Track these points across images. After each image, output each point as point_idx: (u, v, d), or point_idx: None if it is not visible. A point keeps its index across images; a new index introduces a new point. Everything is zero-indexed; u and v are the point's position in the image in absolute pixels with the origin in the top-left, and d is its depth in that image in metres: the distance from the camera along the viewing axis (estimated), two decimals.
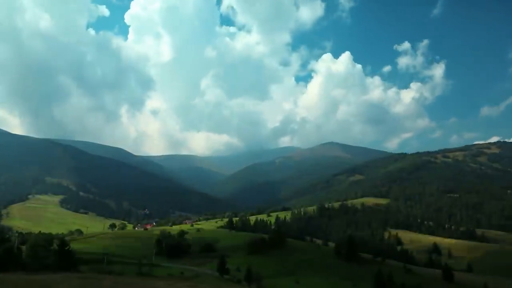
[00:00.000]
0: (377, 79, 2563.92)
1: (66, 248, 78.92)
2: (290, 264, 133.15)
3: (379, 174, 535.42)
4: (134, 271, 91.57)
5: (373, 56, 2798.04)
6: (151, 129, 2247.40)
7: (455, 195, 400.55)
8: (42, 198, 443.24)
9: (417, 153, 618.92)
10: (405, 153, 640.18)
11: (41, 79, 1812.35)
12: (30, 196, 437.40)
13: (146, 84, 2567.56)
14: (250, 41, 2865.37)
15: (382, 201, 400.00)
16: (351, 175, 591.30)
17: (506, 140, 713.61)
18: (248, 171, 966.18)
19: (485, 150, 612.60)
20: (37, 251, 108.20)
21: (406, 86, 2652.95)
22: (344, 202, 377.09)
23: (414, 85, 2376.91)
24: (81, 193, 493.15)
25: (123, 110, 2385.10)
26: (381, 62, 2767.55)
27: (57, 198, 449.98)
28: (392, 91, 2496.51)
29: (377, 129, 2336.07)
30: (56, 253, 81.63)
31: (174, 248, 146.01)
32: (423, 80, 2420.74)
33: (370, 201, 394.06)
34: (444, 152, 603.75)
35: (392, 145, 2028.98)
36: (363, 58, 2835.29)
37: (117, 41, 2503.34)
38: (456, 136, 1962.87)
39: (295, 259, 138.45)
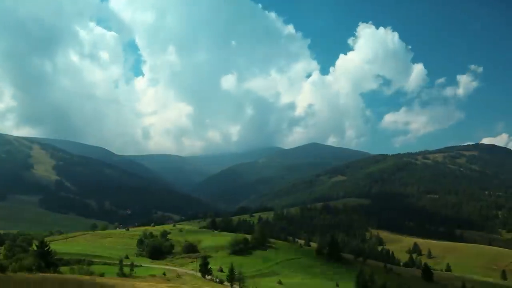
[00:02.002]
0: (420, 65, 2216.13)
1: (46, 249, 77.46)
2: (273, 264, 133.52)
3: (361, 175, 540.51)
4: (115, 272, 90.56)
5: (423, 36, 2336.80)
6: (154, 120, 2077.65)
7: (435, 196, 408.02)
8: (20, 198, 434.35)
9: (398, 154, 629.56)
10: (386, 154, 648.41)
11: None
12: (8, 196, 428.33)
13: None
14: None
15: (364, 202, 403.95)
16: (334, 176, 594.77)
17: (484, 142, 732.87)
18: (231, 171, 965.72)
19: (464, 152, 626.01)
20: (16, 252, 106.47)
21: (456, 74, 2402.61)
22: (326, 202, 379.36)
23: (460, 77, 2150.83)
24: (61, 193, 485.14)
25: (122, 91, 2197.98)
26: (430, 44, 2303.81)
27: (36, 198, 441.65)
28: (439, 81, 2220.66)
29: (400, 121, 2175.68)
30: (35, 254, 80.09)
31: (156, 249, 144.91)
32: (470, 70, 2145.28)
33: (352, 201, 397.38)
34: (424, 153, 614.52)
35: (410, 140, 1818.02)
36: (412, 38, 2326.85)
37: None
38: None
39: (277, 259, 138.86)
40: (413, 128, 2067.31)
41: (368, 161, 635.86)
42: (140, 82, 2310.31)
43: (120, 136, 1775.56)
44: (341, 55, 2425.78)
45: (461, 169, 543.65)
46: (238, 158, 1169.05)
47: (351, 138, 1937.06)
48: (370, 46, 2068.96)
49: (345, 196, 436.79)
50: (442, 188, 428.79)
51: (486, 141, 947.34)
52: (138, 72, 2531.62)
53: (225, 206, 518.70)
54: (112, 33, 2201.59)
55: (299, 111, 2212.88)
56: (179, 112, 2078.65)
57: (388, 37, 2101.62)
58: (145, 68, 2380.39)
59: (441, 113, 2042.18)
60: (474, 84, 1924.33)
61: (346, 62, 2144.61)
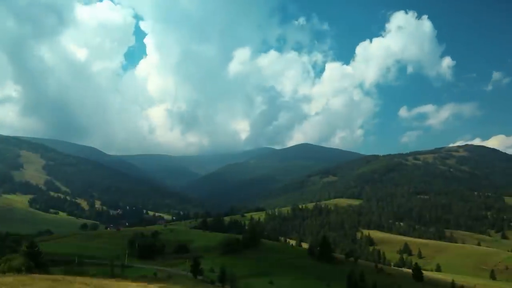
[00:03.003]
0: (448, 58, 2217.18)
1: (35, 249, 76.71)
2: (264, 264, 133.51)
3: (352, 176, 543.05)
4: (106, 273, 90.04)
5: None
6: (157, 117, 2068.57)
7: (425, 197, 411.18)
8: (10, 197, 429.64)
9: (389, 155, 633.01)
10: (378, 155, 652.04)
11: None
12: None
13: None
14: None
15: (355, 202, 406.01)
16: (325, 176, 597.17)
17: (474, 143, 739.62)
18: (222, 171, 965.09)
19: (454, 153, 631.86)
20: (5, 252, 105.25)
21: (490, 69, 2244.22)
22: (318, 203, 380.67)
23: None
24: (51, 193, 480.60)
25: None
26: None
27: (26, 198, 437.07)
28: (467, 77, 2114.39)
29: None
30: (24, 254, 79.29)
31: (147, 249, 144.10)
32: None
33: (343, 202, 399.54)
34: (415, 154, 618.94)
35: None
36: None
37: None
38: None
39: (269, 259, 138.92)
40: (431, 123, 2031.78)
41: (359, 161, 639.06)
42: (141, 76, 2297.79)
43: (120, 126, 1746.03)
44: (363, 45, 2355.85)
45: (451, 170, 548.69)
46: (235, 158, 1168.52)
47: (363, 134, 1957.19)
48: (398, 35, 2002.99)
49: (336, 196, 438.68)
50: (432, 189, 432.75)
51: (494, 139, 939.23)
52: (139, 67, 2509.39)
53: (217, 207, 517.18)
54: (115, 17, 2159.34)
55: (315, 105, 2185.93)
56: (181, 107, 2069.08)
57: (418, 25, 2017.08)
58: (147, 61, 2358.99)
59: (464, 109, 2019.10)
60: (506, 80, 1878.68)
61: (367, 53, 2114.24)
